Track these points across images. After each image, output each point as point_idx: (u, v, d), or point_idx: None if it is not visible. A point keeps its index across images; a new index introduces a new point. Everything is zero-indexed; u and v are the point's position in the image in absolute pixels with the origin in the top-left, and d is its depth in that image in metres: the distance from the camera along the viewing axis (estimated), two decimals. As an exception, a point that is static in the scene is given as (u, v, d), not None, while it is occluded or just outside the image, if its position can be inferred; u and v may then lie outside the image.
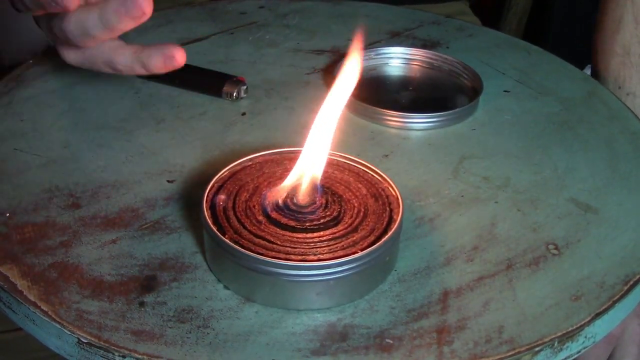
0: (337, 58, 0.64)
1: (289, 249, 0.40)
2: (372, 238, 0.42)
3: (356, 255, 0.40)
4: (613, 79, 0.65)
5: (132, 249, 0.44)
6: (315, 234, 0.41)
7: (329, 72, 0.62)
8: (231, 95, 0.58)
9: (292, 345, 0.39)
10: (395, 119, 0.56)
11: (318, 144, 0.43)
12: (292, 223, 0.42)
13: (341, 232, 0.42)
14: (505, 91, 0.62)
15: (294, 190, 0.43)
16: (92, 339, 0.38)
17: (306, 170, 0.43)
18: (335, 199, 0.44)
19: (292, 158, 0.46)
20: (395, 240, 0.43)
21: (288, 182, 0.43)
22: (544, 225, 0.47)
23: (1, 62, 0.90)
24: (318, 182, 0.43)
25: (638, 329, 0.56)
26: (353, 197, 0.44)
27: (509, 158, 0.54)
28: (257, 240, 0.41)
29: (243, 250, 0.40)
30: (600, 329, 0.42)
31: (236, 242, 0.40)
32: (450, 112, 0.57)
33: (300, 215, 0.42)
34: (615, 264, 0.45)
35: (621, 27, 0.65)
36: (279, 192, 0.43)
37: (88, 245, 0.44)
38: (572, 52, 0.70)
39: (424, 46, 0.67)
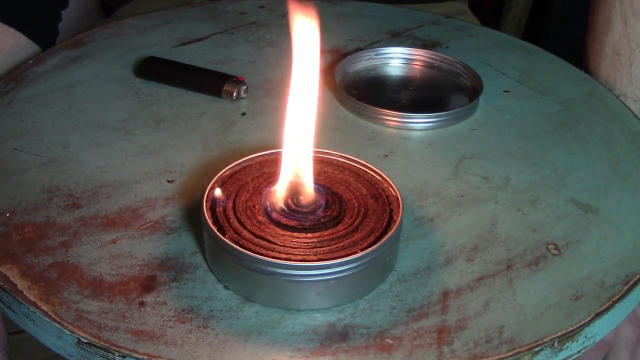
0: (338, 58, 0.64)
1: (289, 249, 0.40)
2: (372, 238, 0.41)
3: (356, 255, 0.40)
4: (604, 81, 0.65)
5: (132, 249, 0.44)
6: (315, 234, 0.41)
7: (329, 72, 0.62)
8: (231, 95, 0.58)
9: (292, 345, 0.39)
10: (395, 119, 0.56)
11: (300, 143, 0.42)
12: (293, 223, 0.42)
13: (341, 232, 0.42)
14: (505, 91, 0.62)
15: (293, 191, 0.43)
16: (92, 339, 0.38)
17: (295, 170, 0.43)
18: (335, 199, 0.44)
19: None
20: (395, 240, 0.43)
21: (282, 184, 0.43)
22: (544, 225, 0.47)
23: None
24: (311, 182, 0.43)
25: (631, 334, 0.55)
26: (353, 197, 0.44)
27: (509, 158, 0.54)
28: (257, 240, 0.41)
29: (243, 250, 0.40)
30: (600, 329, 0.42)
31: (236, 242, 0.40)
32: (450, 112, 0.57)
33: (300, 216, 0.42)
34: (615, 264, 0.45)
35: (610, 28, 0.64)
36: (278, 194, 0.43)
37: (88, 245, 0.44)
38: (572, 52, 0.70)
39: (424, 46, 0.67)
